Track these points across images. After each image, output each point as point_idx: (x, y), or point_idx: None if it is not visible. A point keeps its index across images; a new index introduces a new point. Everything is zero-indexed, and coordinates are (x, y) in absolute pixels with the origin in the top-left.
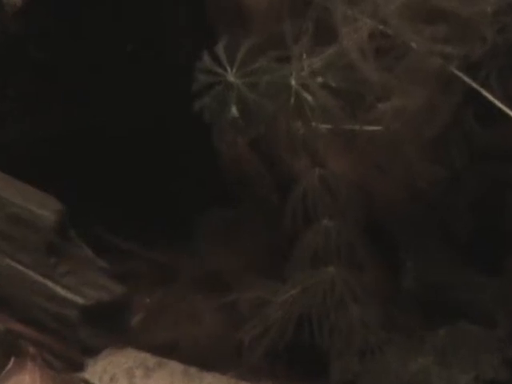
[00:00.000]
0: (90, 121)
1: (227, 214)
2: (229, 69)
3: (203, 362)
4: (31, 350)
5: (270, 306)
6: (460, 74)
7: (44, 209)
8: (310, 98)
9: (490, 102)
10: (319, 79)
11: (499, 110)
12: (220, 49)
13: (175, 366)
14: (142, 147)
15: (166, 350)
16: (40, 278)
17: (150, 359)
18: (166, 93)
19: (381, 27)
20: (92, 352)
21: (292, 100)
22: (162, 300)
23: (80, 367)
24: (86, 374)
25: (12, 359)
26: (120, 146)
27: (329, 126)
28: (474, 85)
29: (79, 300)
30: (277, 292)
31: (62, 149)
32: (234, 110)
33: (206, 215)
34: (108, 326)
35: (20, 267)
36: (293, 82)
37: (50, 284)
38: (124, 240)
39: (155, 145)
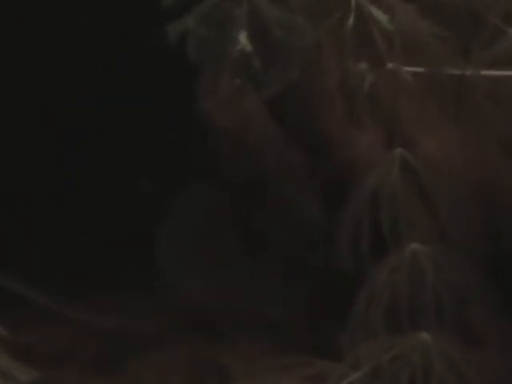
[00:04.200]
0: None
1: (219, 228)
2: None
3: None
4: None
5: None
6: None
7: None
8: (383, 17)
9: None
10: None
11: None
12: None
13: None
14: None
15: None
16: None
17: None
18: None
19: None
20: None
21: (351, 20)
22: None
23: None
24: None
25: None
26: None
27: (418, 70)
28: None
29: None
30: (326, 376)
31: None
32: (243, 40)
33: (179, 232)
34: None
35: None
36: None
37: None
38: (34, 288)
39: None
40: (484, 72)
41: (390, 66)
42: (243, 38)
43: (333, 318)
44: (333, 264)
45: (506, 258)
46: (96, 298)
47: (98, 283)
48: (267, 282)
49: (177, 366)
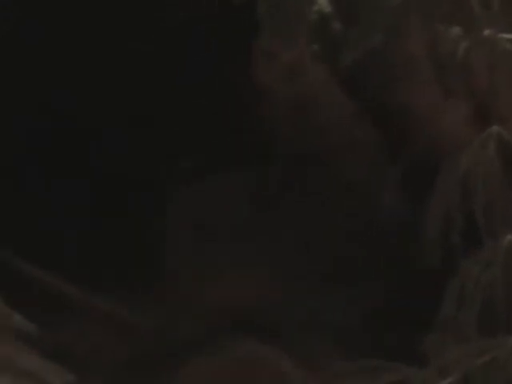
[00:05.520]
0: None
1: (273, 216)
2: None
3: None
4: None
5: None
6: None
7: None
8: None
9: None
10: None
11: None
12: None
13: None
14: None
15: None
16: None
17: None
18: None
19: None
20: None
21: None
22: None
23: None
24: None
25: None
26: None
27: None
28: None
29: None
30: (409, 383)
31: None
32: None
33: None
34: None
35: None
36: None
37: None
38: (61, 276)
39: None
40: None
41: (486, 32)
42: None
43: (415, 319)
44: (416, 257)
45: None
46: (126, 292)
47: (129, 275)
48: (333, 276)
49: (230, 371)
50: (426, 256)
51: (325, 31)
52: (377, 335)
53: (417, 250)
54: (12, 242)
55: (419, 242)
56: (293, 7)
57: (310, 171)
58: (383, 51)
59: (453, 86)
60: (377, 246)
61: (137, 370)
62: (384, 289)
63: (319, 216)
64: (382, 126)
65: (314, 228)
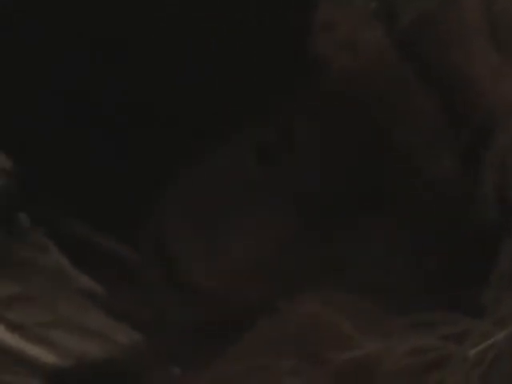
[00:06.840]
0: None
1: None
2: None
3: None
4: None
5: (449, 363)
6: None
7: None
8: None
9: None
10: None
11: None
12: None
13: None
14: None
15: None
16: None
17: None
18: None
19: None
20: None
21: None
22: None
23: None
24: None
25: None
26: None
27: None
28: None
29: (47, 358)
30: (466, 335)
31: None
32: None
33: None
34: None
35: None
36: None
37: None
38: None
39: None
40: None
41: None
42: None
43: (473, 274)
44: (472, 214)
45: None
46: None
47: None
48: (389, 236)
49: (289, 333)
50: (482, 213)
51: None
52: (435, 290)
53: (474, 208)
54: (77, 209)
55: (476, 200)
56: None
57: (368, 141)
58: (438, 14)
59: (508, 48)
60: (435, 207)
61: (201, 333)
62: (441, 246)
63: (378, 183)
64: (438, 94)
65: (376, 193)
